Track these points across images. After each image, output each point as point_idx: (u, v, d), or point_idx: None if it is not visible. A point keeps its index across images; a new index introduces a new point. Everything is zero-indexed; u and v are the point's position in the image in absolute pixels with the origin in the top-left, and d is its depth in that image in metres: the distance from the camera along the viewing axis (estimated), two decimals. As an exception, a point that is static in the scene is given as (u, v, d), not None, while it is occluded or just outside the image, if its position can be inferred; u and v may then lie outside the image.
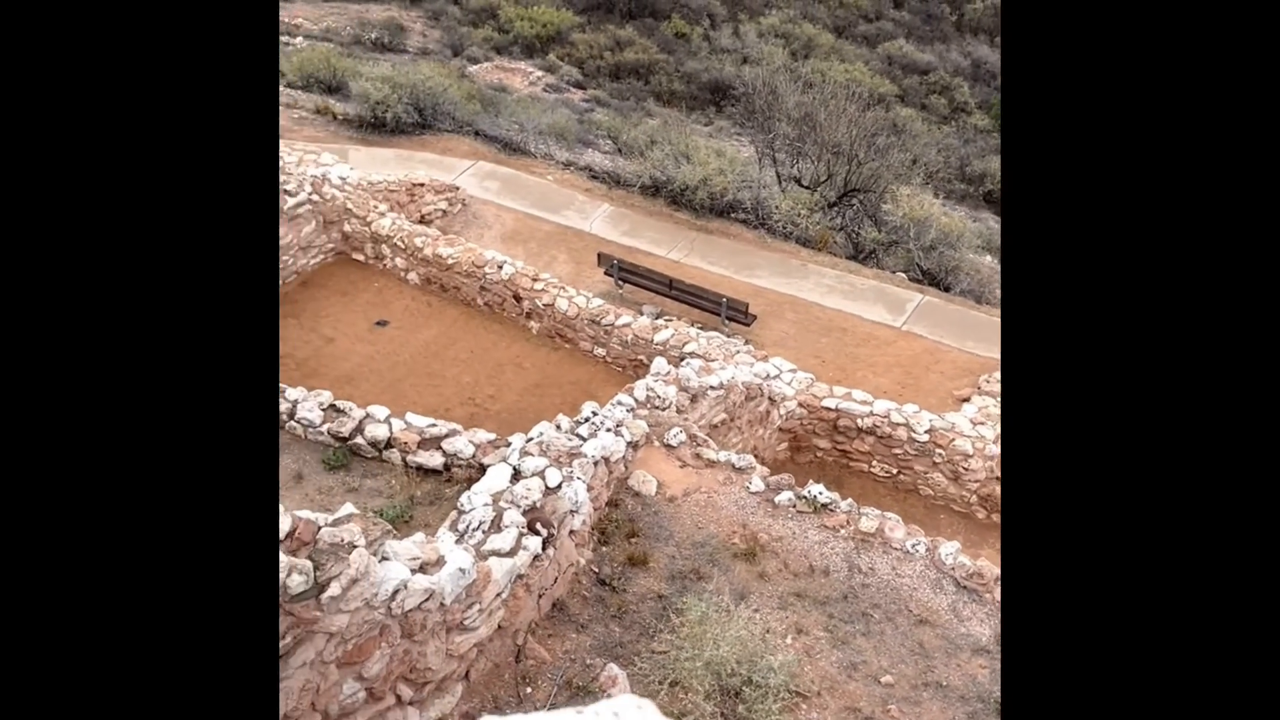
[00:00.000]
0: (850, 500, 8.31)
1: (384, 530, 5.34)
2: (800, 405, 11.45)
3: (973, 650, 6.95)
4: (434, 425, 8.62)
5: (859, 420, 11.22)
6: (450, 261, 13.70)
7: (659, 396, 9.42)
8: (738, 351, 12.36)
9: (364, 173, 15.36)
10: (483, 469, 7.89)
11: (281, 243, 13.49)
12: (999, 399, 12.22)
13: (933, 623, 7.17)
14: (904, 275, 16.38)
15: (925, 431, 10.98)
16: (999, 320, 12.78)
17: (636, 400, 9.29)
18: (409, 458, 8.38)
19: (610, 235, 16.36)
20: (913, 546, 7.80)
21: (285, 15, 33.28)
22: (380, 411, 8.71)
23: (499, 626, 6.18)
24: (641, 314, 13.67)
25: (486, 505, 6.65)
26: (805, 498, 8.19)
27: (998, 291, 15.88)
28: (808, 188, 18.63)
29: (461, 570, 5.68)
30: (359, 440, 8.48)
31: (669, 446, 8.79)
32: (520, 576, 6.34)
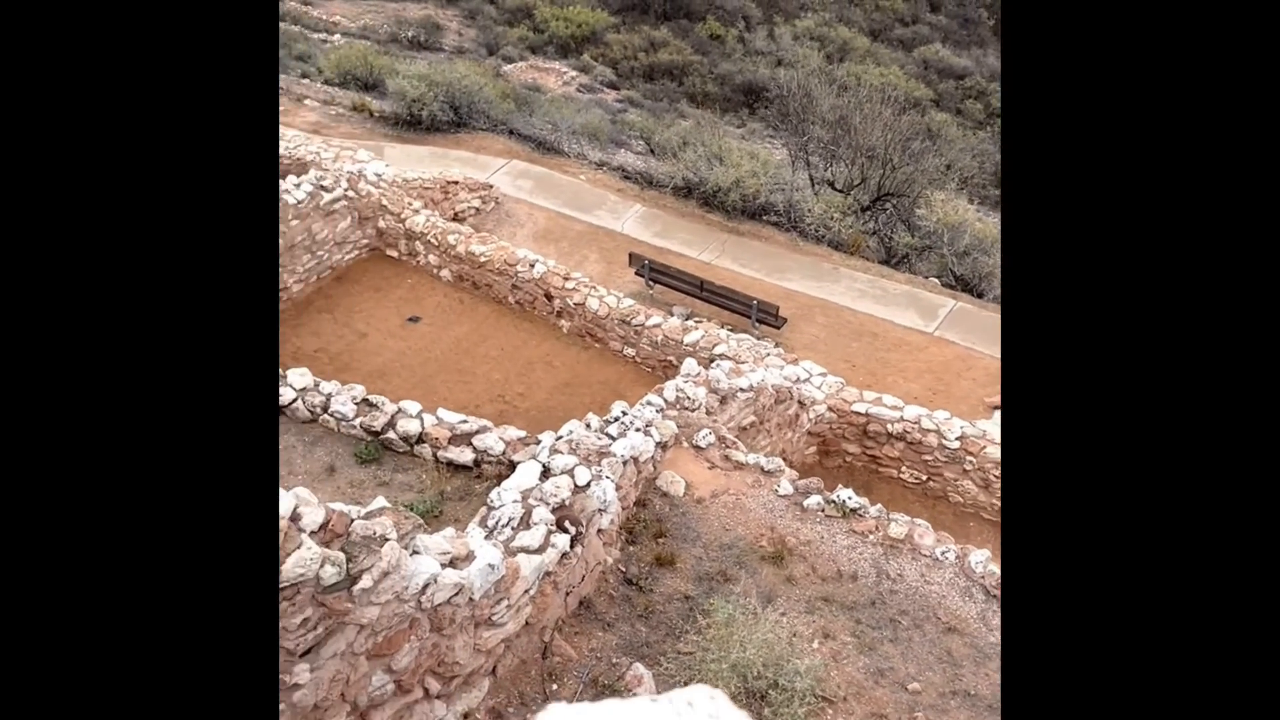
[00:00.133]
0: (879, 506, 8.27)
1: (415, 524, 5.39)
2: (830, 409, 11.40)
3: (1001, 660, 6.89)
4: (465, 421, 8.67)
5: (889, 426, 11.15)
6: (483, 259, 13.78)
7: (688, 398, 9.42)
8: (768, 354, 12.33)
9: (399, 170, 15.49)
10: (512, 466, 7.93)
11: (317, 238, 13.64)
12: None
13: (961, 631, 7.12)
14: (937, 281, 16.26)
15: (956, 438, 10.89)
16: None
17: (666, 401, 9.29)
18: (440, 453, 8.44)
19: (642, 236, 16.38)
20: (942, 554, 7.74)
21: (323, 12, 33.64)
22: (412, 407, 8.77)
23: (526, 623, 6.22)
24: (672, 315, 13.68)
25: (516, 502, 6.69)
26: (834, 502, 8.15)
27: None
28: (841, 191, 18.55)
29: (491, 566, 5.72)
30: (391, 435, 8.55)
31: (698, 448, 8.79)
32: (548, 574, 6.37)
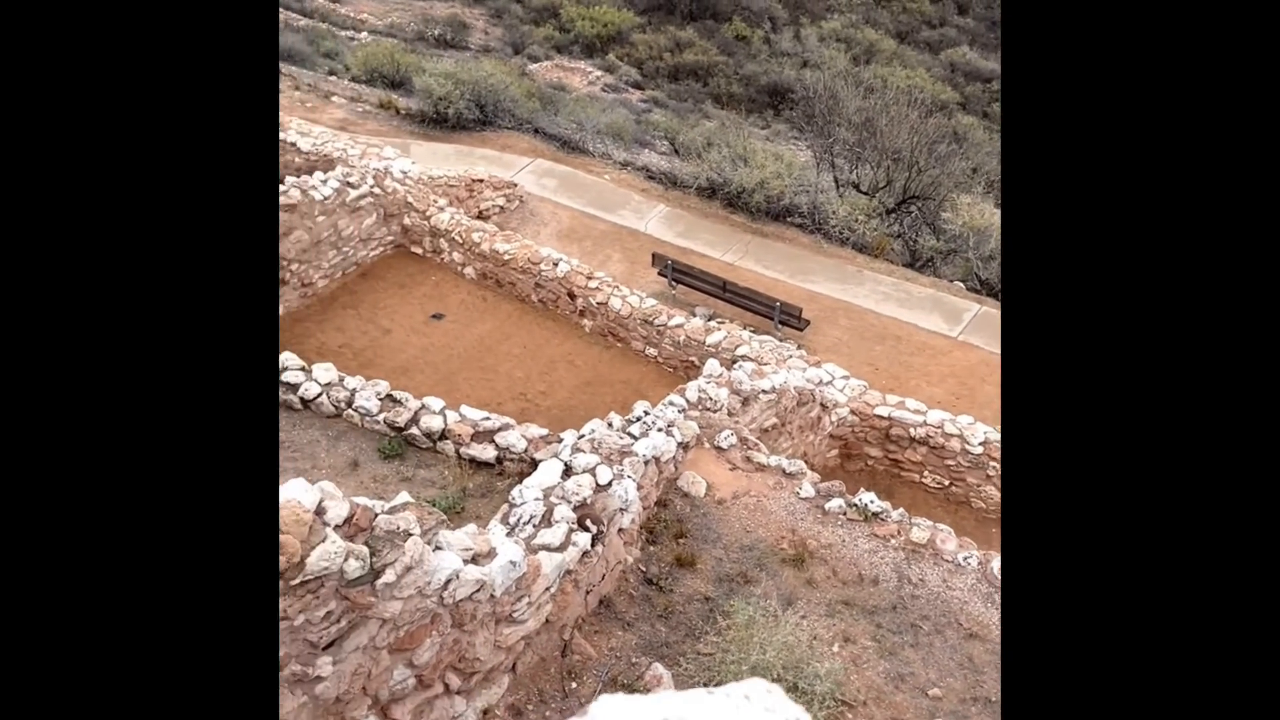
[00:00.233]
0: (901, 510, 8.22)
1: (438, 520, 5.40)
2: (852, 412, 11.36)
3: (1023, 667, 6.84)
4: (488, 419, 8.70)
5: (912, 430, 11.10)
6: (506, 257, 13.83)
7: (711, 398, 9.41)
8: (790, 356, 12.30)
9: (425, 167, 15.57)
10: (534, 464, 7.95)
11: (342, 234, 13.72)
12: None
13: (983, 637, 7.07)
14: (961, 285, 16.17)
15: (979, 444, 10.82)
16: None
17: (688, 401, 9.29)
18: (462, 450, 8.47)
19: (665, 236, 16.38)
20: (964, 559, 7.69)
21: (351, 10, 33.86)
22: (435, 403, 8.81)
23: (546, 621, 6.23)
24: (694, 315, 13.67)
25: (537, 500, 6.70)
26: (856, 505, 8.12)
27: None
28: (866, 193, 18.47)
29: (512, 563, 5.73)
30: (414, 431, 8.59)
31: (719, 449, 8.78)
32: (569, 572, 6.37)
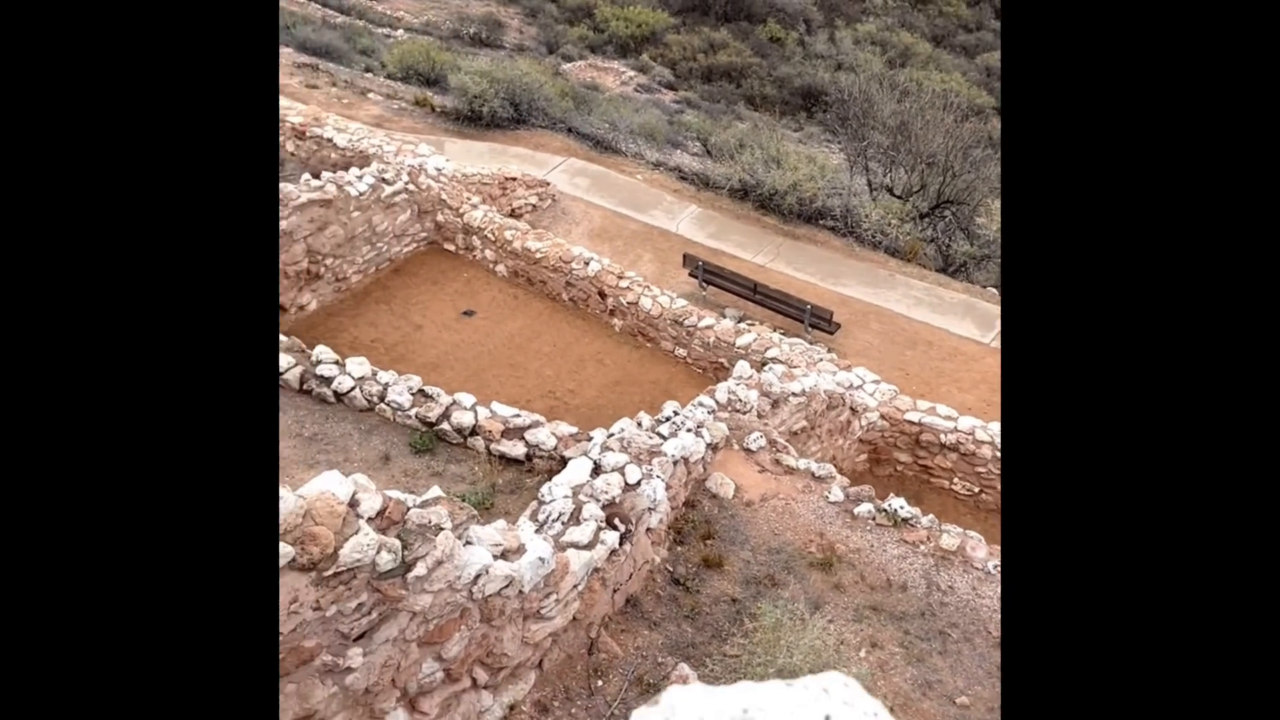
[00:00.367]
0: (931, 516, 8.17)
1: (469, 515, 5.43)
2: (882, 417, 11.29)
3: (1053, 678, 6.77)
4: (518, 416, 8.74)
5: (942, 436, 11.02)
6: (538, 255, 13.88)
7: (740, 400, 9.39)
8: (820, 359, 12.25)
9: (459, 165, 15.65)
10: (563, 461, 7.98)
11: (377, 230, 13.84)
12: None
13: (1012, 647, 7.00)
14: (995, 290, 16.02)
15: (1011, 451, 10.71)
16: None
17: (717, 402, 9.28)
18: (492, 446, 8.52)
19: (696, 236, 16.37)
20: (994, 567, 7.63)
21: (388, 8, 34.13)
22: (467, 399, 8.86)
23: (574, 618, 6.24)
24: (724, 317, 13.65)
25: (567, 497, 6.72)
26: (885, 511, 8.07)
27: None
28: (899, 197, 18.37)
29: (541, 560, 5.75)
30: (445, 426, 8.64)
31: (748, 451, 8.76)
32: (596, 570, 6.39)
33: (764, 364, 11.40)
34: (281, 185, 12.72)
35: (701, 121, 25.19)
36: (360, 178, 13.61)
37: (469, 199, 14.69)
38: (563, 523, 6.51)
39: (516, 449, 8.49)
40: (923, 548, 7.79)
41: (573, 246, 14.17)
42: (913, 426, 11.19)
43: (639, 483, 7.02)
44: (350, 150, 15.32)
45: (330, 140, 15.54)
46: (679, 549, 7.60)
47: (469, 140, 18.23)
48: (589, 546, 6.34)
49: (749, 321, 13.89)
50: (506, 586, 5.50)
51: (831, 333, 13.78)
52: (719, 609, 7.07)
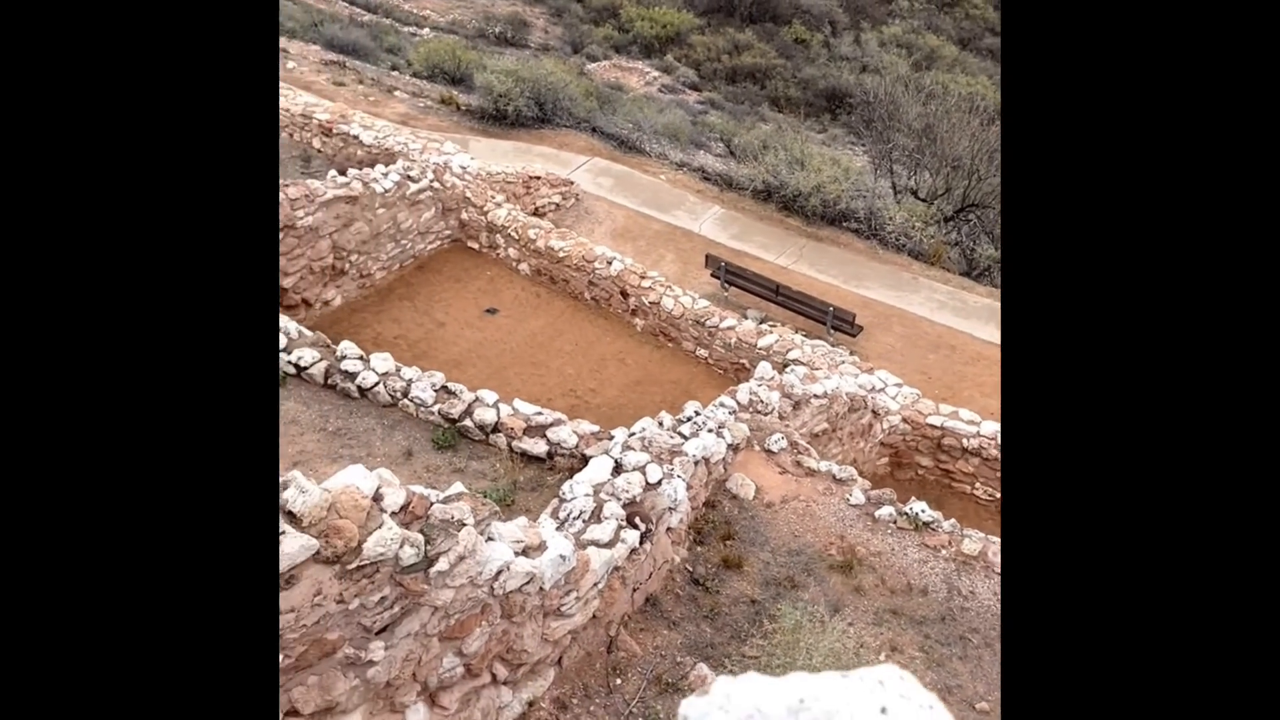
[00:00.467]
0: (953, 521, 8.13)
1: (491, 511, 5.46)
2: (904, 421, 11.25)
3: (1074, 685, 6.72)
4: (540, 414, 8.77)
5: (964, 440, 10.96)
6: (561, 254, 13.91)
7: (762, 401, 9.38)
8: (842, 362, 12.21)
9: (483, 163, 15.71)
10: (585, 459, 8.00)
11: (401, 227, 13.91)
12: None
13: (1033, 653, 6.96)
14: (1019, 295, 15.90)
15: (1034, 457, 10.64)
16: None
17: (739, 403, 9.27)
18: (514, 443, 8.55)
19: (719, 237, 16.35)
20: (1016, 573, 7.57)
21: (414, 6, 34.31)
22: (489, 396, 8.90)
23: (593, 616, 6.26)
24: (746, 318, 13.63)
25: (588, 495, 6.74)
26: (907, 514, 8.04)
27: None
28: (924, 200, 18.28)
29: (562, 557, 5.77)
30: (467, 423, 8.68)
31: (769, 452, 8.75)
32: (616, 569, 6.40)
33: (786, 365, 11.37)
34: (308, 181, 12.82)
35: (725, 122, 25.17)
36: (386, 175, 13.69)
37: (493, 197, 14.74)
38: (584, 521, 6.53)
39: (538, 447, 8.51)
40: (944, 552, 7.76)
41: (596, 246, 14.19)
42: (935, 431, 11.14)
43: (660, 482, 7.03)
44: (376, 147, 15.42)
45: (356, 137, 15.65)
46: (699, 549, 7.60)
47: (494, 139, 18.30)
48: (609, 545, 6.35)
49: (771, 323, 13.87)
50: (527, 583, 5.52)
51: (854, 335, 13.73)
52: (738, 610, 7.06)
